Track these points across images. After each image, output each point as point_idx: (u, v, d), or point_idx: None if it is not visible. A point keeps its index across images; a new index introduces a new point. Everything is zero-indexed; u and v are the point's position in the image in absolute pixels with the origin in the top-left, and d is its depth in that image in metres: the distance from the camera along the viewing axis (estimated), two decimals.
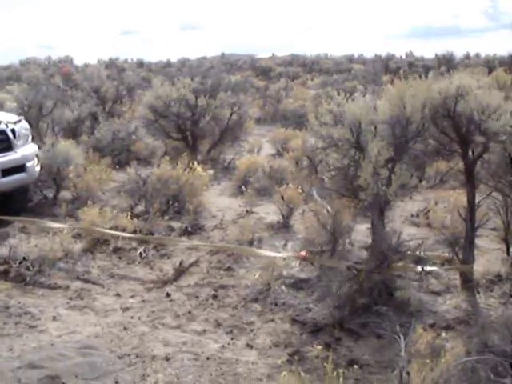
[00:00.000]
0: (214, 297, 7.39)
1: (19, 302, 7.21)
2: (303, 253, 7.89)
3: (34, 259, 8.16)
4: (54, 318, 6.85)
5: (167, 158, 11.94)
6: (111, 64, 51.05)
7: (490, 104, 6.91)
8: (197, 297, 7.41)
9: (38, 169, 10.62)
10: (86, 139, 14.80)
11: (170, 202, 10.12)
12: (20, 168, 9.99)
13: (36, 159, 10.54)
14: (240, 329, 6.62)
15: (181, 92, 14.60)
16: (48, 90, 17.09)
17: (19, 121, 10.49)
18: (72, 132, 15.13)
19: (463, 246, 7.65)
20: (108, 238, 9.15)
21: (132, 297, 7.43)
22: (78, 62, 55.18)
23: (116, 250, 8.96)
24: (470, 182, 7.53)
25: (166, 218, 9.90)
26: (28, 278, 7.79)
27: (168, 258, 8.71)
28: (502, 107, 6.94)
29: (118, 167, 13.00)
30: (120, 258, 8.75)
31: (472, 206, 7.54)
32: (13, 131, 9.99)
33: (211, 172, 11.06)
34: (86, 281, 7.90)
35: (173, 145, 15.11)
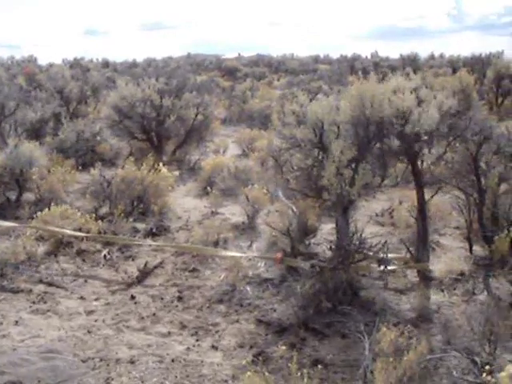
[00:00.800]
0: (179, 298, 7.37)
1: None
2: (279, 255, 7.89)
3: None
4: (17, 323, 6.76)
5: (132, 158, 11.86)
6: (76, 64, 50.49)
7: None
8: (162, 298, 7.37)
9: None
10: (50, 140, 14.59)
11: (135, 204, 10.05)
12: None
13: None
14: (205, 330, 6.61)
15: (146, 92, 14.50)
16: (10, 91, 16.83)
17: None
18: (35, 133, 14.89)
19: (416, 244, 7.75)
20: (71, 239, 9.07)
21: (96, 299, 7.37)
22: (42, 61, 54.43)
23: (80, 252, 8.87)
24: (417, 181, 7.67)
25: (131, 219, 9.82)
26: None
27: (133, 259, 8.65)
28: (414, 111, 7.08)
29: (82, 168, 12.85)
30: (84, 260, 8.68)
31: (422, 205, 7.67)
32: None
33: (176, 173, 11.00)
34: (50, 284, 7.81)
35: (137, 145, 15.00)
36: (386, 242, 7.64)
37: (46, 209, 9.30)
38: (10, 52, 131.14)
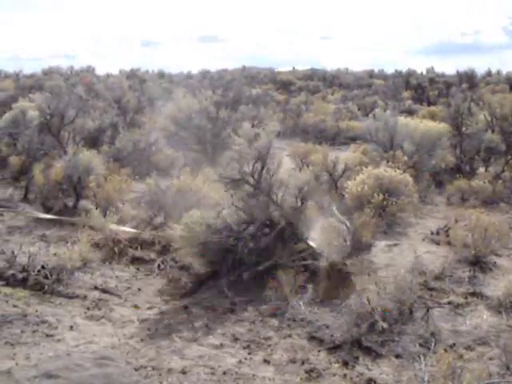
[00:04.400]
0: (232, 311, 7.35)
1: (37, 311, 7.23)
2: None
3: (52, 268, 8.18)
4: (72, 328, 6.85)
5: (187, 169, 11.93)
6: (132, 75, 51.30)
7: None
8: (214, 310, 7.36)
9: None
10: (107, 149, 14.83)
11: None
12: None
13: None
14: (257, 344, 6.57)
15: (203, 104, 14.63)
16: (70, 100, 17.15)
17: None
18: (93, 141, 15.16)
19: None
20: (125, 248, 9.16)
21: (149, 308, 7.41)
22: (100, 72, 55.47)
23: (134, 260, 8.95)
24: None
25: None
26: (46, 287, 7.81)
27: (186, 270, 8.66)
28: None
29: (137, 177, 12.99)
30: (138, 269, 8.75)
31: None
32: None
33: None
34: (104, 291, 7.89)
35: (192, 156, 15.11)
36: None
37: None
38: (68, 62, 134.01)
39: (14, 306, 7.34)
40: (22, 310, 7.25)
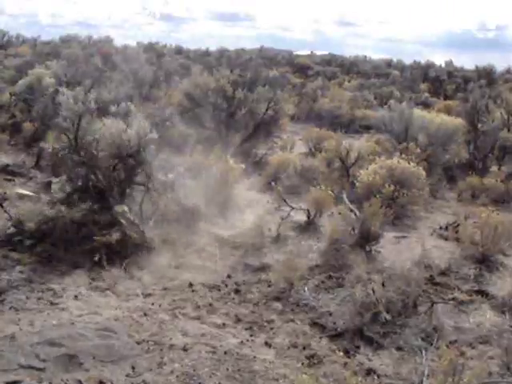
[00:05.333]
0: (237, 291, 7.37)
1: (42, 278, 7.28)
2: None
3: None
4: (76, 297, 6.91)
5: (199, 147, 11.92)
6: (150, 48, 51.13)
7: None
8: (219, 290, 7.39)
9: None
10: None
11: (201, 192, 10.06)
12: None
13: None
14: (260, 326, 6.60)
15: (219, 83, 14.56)
16: (87, 69, 17.11)
17: None
18: (107, 113, 15.07)
19: None
20: None
21: (155, 284, 7.43)
22: (118, 43, 55.33)
23: None
24: None
25: None
26: (54, 254, 7.84)
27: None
28: None
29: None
30: None
31: None
32: None
33: (243, 166, 10.97)
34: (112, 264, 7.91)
35: (205, 135, 15.04)
36: None
37: None
38: (87, 31, 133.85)
39: (20, 272, 7.40)
40: (28, 276, 7.31)
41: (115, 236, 8.03)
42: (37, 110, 14.99)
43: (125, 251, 8.05)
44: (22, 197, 10.05)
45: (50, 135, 12.28)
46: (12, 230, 8.46)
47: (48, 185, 9.60)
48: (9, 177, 11.82)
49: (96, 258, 7.80)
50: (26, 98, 16.60)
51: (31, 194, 10.21)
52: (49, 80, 17.67)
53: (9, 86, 19.61)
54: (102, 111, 13.53)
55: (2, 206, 9.07)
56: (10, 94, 17.55)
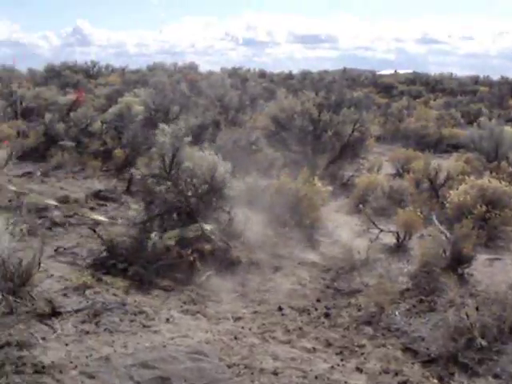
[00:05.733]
0: (326, 315, 7.29)
1: (135, 301, 7.43)
2: None
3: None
4: (168, 320, 6.99)
5: (286, 170, 11.95)
6: (234, 73, 51.90)
7: None
8: (309, 313, 7.33)
9: None
10: (208, 146, 15.01)
11: (288, 215, 10.08)
12: None
13: None
14: (350, 351, 6.50)
15: (305, 105, 14.60)
16: (174, 96, 17.50)
17: None
18: (195, 138, 15.38)
19: None
20: None
21: (245, 307, 7.45)
22: (202, 69, 56.48)
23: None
24: None
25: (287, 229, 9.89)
26: (145, 277, 8.01)
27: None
28: None
29: (237, 176, 13.10)
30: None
31: None
32: None
33: (330, 188, 10.93)
34: (201, 287, 8.00)
35: (292, 157, 15.09)
36: None
37: None
38: (173, 59, 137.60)
39: (114, 295, 7.58)
40: (122, 299, 7.47)
41: (207, 246, 8.20)
42: (127, 137, 15.44)
43: (215, 264, 8.25)
44: (97, 223, 10.33)
45: (140, 161, 12.61)
46: (105, 253, 8.73)
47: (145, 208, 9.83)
48: (101, 202, 12.22)
49: (191, 258, 8.05)
50: (117, 126, 17.15)
51: (106, 219, 10.46)
52: (138, 107, 18.22)
53: (100, 114, 20.31)
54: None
55: (95, 231, 9.37)
56: (102, 121, 18.17)
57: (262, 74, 57.31)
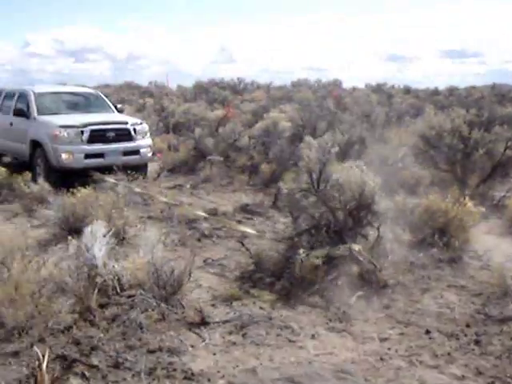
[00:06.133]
0: (477, 342, 7.01)
1: (281, 315, 7.53)
2: None
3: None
4: (313, 337, 7.01)
5: (434, 189, 11.67)
6: (378, 89, 51.47)
7: None
8: (458, 339, 7.09)
9: (149, 154, 16.50)
10: (357, 162, 14.92)
11: (436, 235, 9.82)
12: (135, 152, 15.91)
13: (149, 148, 16.41)
14: (503, 382, 6.20)
15: (455, 123, 14.19)
16: (321, 112, 17.59)
17: (140, 123, 16.47)
18: (341, 154, 15.37)
19: None
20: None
21: (391, 328, 7.33)
22: (346, 85, 56.50)
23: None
24: None
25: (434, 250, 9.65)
26: (292, 292, 8.09)
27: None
28: None
29: (384, 193, 12.95)
30: None
31: None
32: (134, 129, 15.96)
33: (482, 209, 10.51)
34: (347, 305, 7.95)
35: (440, 176, 14.70)
36: None
37: None
38: (317, 75, 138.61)
39: (261, 308, 7.72)
40: (268, 312, 7.59)
41: (355, 268, 8.17)
42: (274, 152, 15.70)
43: (361, 283, 8.21)
44: (246, 236, 10.52)
45: (287, 176, 12.80)
46: (252, 267, 8.92)
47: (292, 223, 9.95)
48: (248, 215, 12.51)
49: (339, 282, 8.11)
50: (264, 141, 17.49)
51: (255, 232, 10.63)
52: (284, 123, 18.51)
53: (246, 129, 20.84)
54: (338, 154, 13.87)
55: (243, 244, 9.60)
56: (249, 137, 18.62)
57: (407, 90, 56.43)
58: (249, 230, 10.60)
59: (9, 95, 18.59)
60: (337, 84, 57.46)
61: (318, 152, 9.23)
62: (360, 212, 8.99)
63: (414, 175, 14.61)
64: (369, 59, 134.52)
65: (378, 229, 8.93)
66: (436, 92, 55.79)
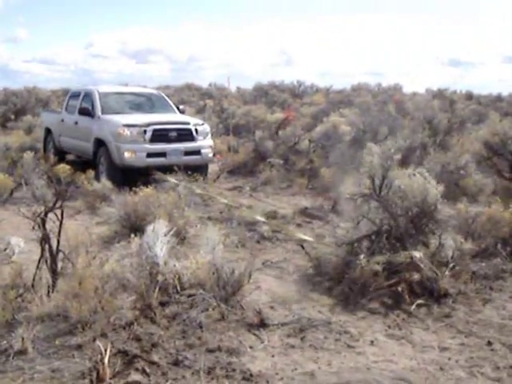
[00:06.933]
0: None
1: (340, 320, 7.51)
2: None
3: None
4: (372, 343, 6.97)
5: (497, 197, 11.47)
6: (439, 94, 50.65)
7: None
8: None
9: (210, 155, 16.58)
10: (419, 168, 14.78)
11: (499, 245, 9.65)
12: (197, 152, 16.06)
13: (210, 149, 16.50)
14: None
15: None
16: (383, 117, 17.46)
17: (202, 124, 16.73)
18: (403, 160, 15.24)
19: None
20: None
21: (452, 338, 7.23)
22: (407, 90, 55.79)
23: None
24: None
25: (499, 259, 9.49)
26: (351, 298, 8.06)
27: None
28: None
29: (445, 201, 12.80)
30: None
31: None
32: (196, 130, 16.18)
33: None
34: (407, 312, 7.89)
35: (503, 184, 14.43)
36: None
37: None
38: (376, 79, 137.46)
39: (319, 312, 7.73)
40: (327, 317, 7.59)
41: (416, 276, 8.09)
42: (334, 156, 15.66)
43: (422, 291, 8.14)
44: (301, 241, 10.50)
45: (347, 181, 12.71)
46: (311, 270, 8.94)
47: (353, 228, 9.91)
48: (307, 219, 12.53)
49: (400, 289, 8.02)
50: (324, 145, 17.46)
51: (311, 239, 10.60)
52: (345, 127, 18.44)
53: (306, 132, 20.83)
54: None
55: (303, 247, 9.62)
56: (309, 140, 18.62)
57: (469, 96, 55.36)
58: (306, 238, 10.59)
59: (74, 95, 19.09)
60: (397, 88, 56.76)
61: (380, 158, 9.16)
62: (422, 219, 8.89)
63: (477, 183, 14.37)
64: (430, 64, 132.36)
65: (440, 236, 8.82)
66: (499, 98, 54.55)
